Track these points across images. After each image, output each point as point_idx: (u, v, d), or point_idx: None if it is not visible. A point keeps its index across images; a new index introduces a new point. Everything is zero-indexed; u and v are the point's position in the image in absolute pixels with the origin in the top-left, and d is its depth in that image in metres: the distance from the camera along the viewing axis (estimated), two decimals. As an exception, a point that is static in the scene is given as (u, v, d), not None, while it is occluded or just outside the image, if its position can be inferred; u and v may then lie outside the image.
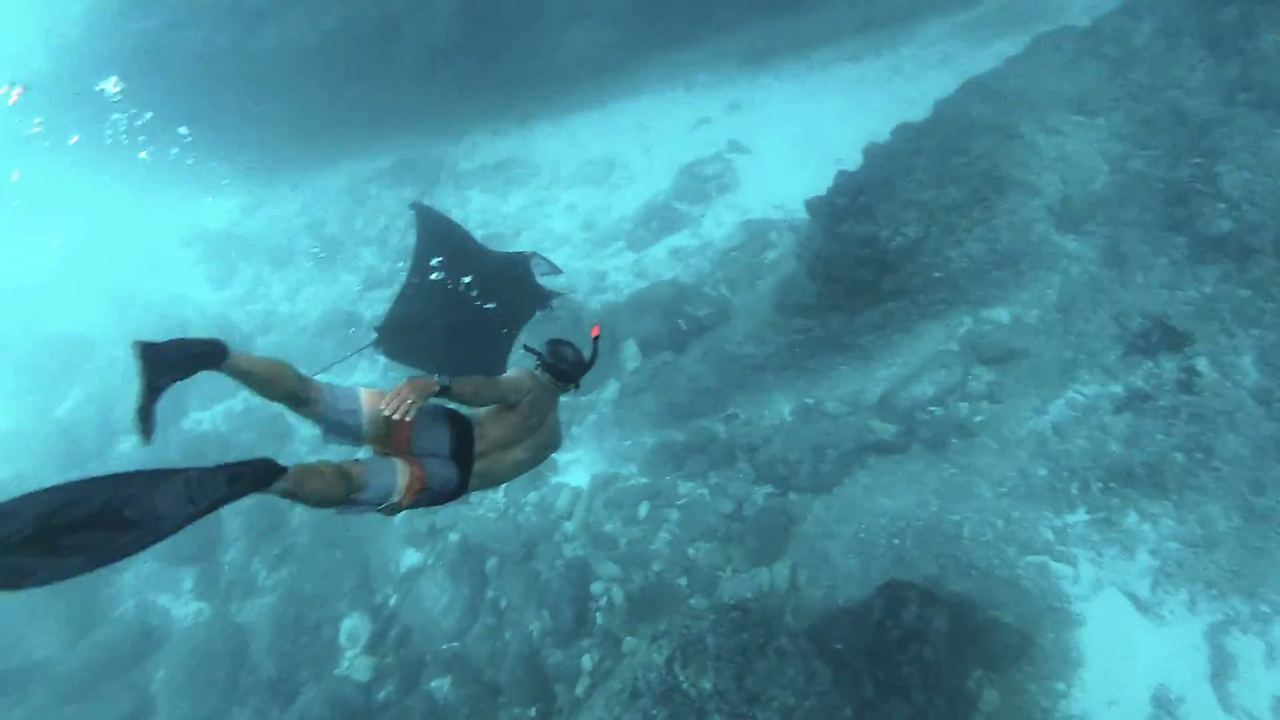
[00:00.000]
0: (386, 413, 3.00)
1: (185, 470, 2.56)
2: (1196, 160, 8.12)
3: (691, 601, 7.74)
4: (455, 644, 8.47)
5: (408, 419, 3.04)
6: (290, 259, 14.48)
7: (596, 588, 8.18)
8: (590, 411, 9.99)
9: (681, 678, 6.40)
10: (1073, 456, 7.22)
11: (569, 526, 8.92)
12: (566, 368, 4.01)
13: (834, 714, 6.12)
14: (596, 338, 4.15)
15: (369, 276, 13.28)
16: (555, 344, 4.07)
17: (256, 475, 2.70)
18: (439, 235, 7.94)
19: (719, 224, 11.22)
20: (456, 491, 3.56)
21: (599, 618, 7.98)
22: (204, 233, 15.88)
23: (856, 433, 8.13)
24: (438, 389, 3.20)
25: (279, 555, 10.29)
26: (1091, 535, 6.90)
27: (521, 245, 12.53)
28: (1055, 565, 6.87)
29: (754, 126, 12.28)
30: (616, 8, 13.16)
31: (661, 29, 13.39)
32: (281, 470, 2.76)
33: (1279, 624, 6.12)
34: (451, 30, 12.70)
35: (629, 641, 7.55)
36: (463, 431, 3.56)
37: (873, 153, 9.21)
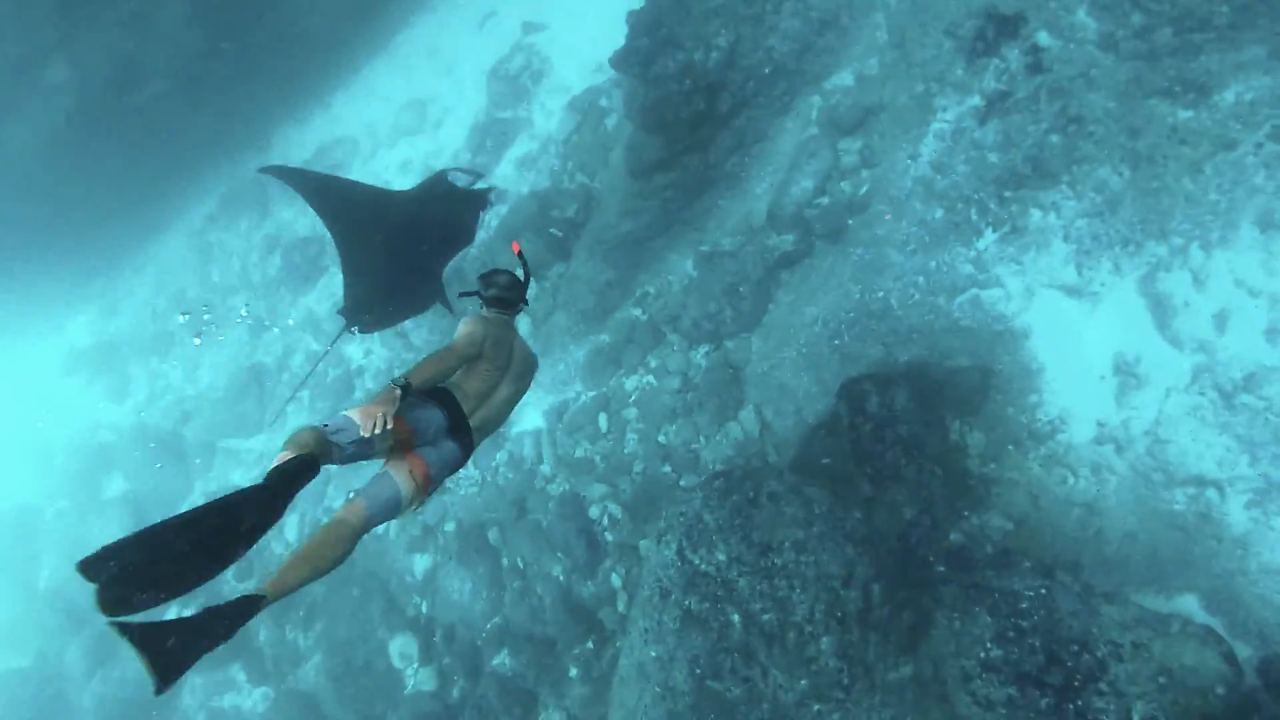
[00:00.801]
0: (365, 434, 3.18)
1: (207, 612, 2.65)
2: None
3: (682, 483, 7.81)
4: (496, 619, 8.59)
5: (386, 429, 3.20)
6: (172, 340, 13.78)
7: (594, 511, 8.22)
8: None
9: (697, 560, 6.49)
10: (960, 185, 7.11)
11: (545, 468, 8.88)
12: (506, 294, 4.22)
13: (844, 524, 6.25)
14: (519, 253, 4.35)
15: (252, 322, 12.67)
16: (487, 277, 4.27)
17: (256, 609, 2.78)
18: (318, 186, 7.49)
19: (549, 115, 10.62)
20: (464, 458, 3.82)
21: (608, 536, 8.06)
22: (78, 354, 15.08)
23: (759, 257, 7.97)
24: (399, 394, 3.37)
25: (305, 616, 10.28)
26: (1006, 249, 6.89)
27: (377, 224, 11.93)
28: (985, 293, 6.89)
29: (540, -1, 11.45)
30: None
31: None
32: (259, 602, 2.78)
33: (1194, 248, 6.20)
34: (194, 42, 11.54)
35: (644, 545, 7.66)
36: (447, 403, 3.74)
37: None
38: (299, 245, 12.37)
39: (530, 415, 9.37)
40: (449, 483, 9.76)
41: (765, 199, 8.19)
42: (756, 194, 8.29)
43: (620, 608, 7.71)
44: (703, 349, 8.24)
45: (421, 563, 9.61)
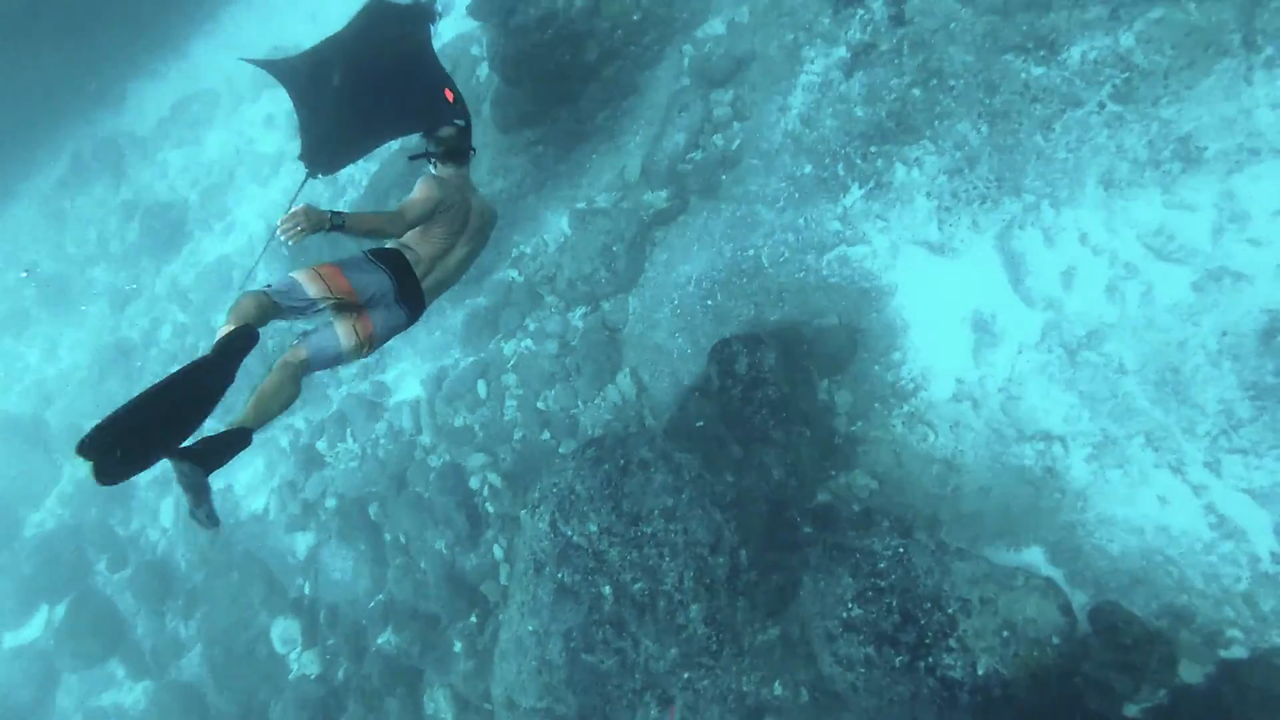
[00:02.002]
0: (281, 236, 3.33)
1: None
2: None
3: (561, 449, 7.68)
4: (380, 596, 8.39)
5: (292, 242, 3.37)
6: (27, 319, 12.76)
7: (474, 482, 8.05)
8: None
9: (569, 532, 6.41)
10: (828, 140, 7.03)
11: (424, 439, 8.62)
12: (454, 145, 4.29)
13: (713, 490, 6.25)
14: (453, 100, 4.58)
15: (113, 294, 11.81)
16: (430, 134, 4.36)
17: (242, 443, 3.29)
18: (287, 69, 7.09)
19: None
20: (410, 321, 4.03)
21: (489, 507, 7.91)
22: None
23: (634, 215, 7.76)
24: (329, 225, 3.46)
25: (185, 604, 9.87)
26: (872, 206, 6.87)
27: (240, 184, 11.20)
28: (852, 250, 6.89)
29: (405, -63, 10.68)
30: None
31: None
32: (248, 433, 3.32)
33: (1045, 207, 6.29)
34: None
35: (523, 515, 7.54)
36: (397, 265, 3.87)
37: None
38: (159, 210, 11.51)
39: (409, 384, 9.06)
40: (329, 457, 9.45)
41: (639, 153, 7.95)
42: (630, 149, 8.05)
43: (503, 580, 7.62)
44: (580, 310, 8.05)
45: (303, 541, 9.29)
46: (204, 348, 9.98)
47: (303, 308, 3.65)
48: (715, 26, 7.81)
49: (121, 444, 2.90)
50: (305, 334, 3.80)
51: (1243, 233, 5.76)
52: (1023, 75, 6.45)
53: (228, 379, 3.24)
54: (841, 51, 7.07)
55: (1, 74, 11.60)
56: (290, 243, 3.38)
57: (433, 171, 4.30)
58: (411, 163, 6.48)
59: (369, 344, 3.87)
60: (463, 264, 4.37)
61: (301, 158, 6.88)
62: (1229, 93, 5.94)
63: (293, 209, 3.39)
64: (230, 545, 9.72)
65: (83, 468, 11.91)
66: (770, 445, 6.45)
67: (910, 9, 6.80)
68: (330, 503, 9.14)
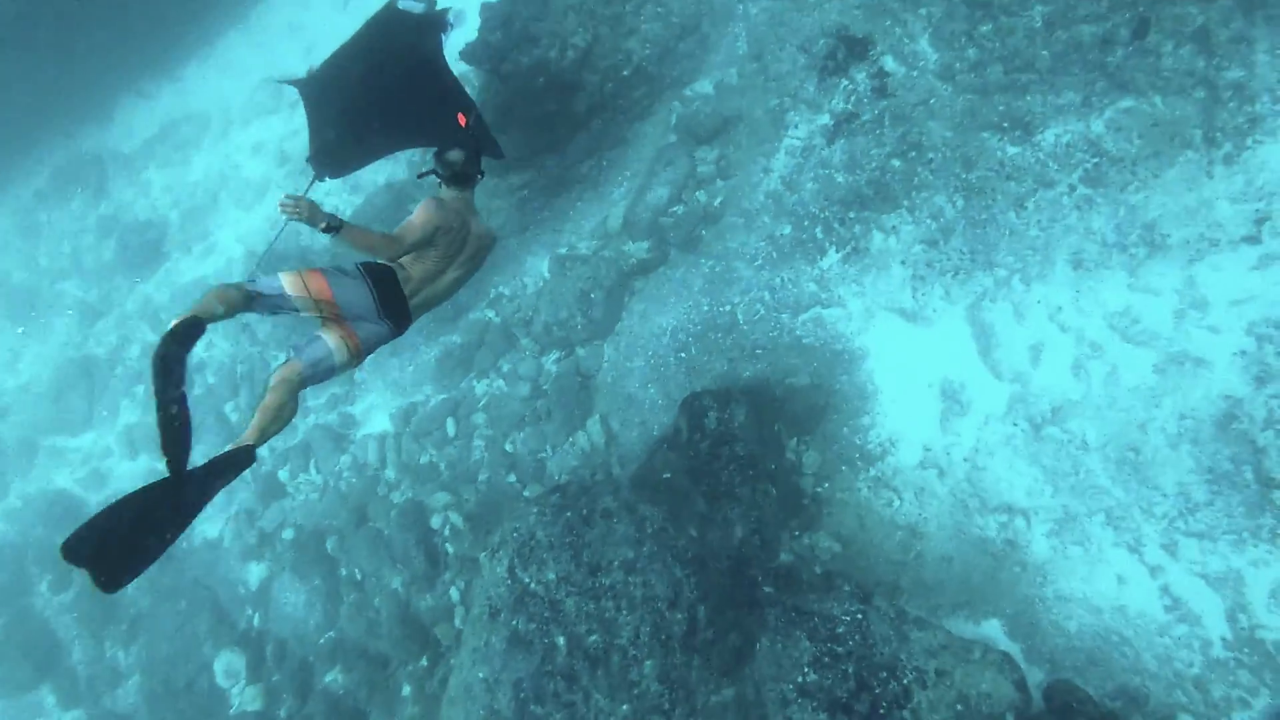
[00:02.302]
0: (277, 208, 3.52)
1: (179, 478, 3.19)
2: None
3: (526, 493, 7.60)
4: (331, 633, 8.17)
5: (284, 216, 3.50)
6: (-10, 328, 12.52)
7: (435, 521, 7.91)
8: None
9: (526, 579, 6.30)
10: (807, 203, 7.16)
11: (389, 474, 8.49)
12: (462, 169, 4.33)
13: (675, 544, 6.19)
14: (466, 124, 4.56)
15: (83, 310, 11.64)
16: (440, 155, 4.37)
17: (246, 462, 3.45)
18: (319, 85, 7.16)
19: (411, 103, 10.14)
20: (394, 335, 4.10)
21: (449, 548, 7.77)
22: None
23: (614, 264, 7.82)
24: (323, 223, 3.53)
25: (127, 631, 9.53)
26: (848, 270, 6.98)
27: (223, 208, 11.17)
28: (827, 312, 6.97)
29: (407, -23, 10.88)
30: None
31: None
32: (252, 451, 3.49)
33: (1016, 282, 6.43)
34: (10, 3, 10.47)
35: (482, 558, 7.41)
36: (384, 282, 3.95)
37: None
38: (137, 228, 11.42)
39: (377, 418, 8.96)
40: (290, 487, 9.27)
41: (622, 204, 8.04)
42: (614, 198, 8.14)
43: (458, 623, 7.45)
44: (554, 355, 8.04)
45: (256, 572, 9.05)
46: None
47: (275, 299, 3.75)
48: (704, 86, 7.99)
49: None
50: (297, 348, 3.87)
51: (1203, 319, 5.92)
52: (999, 154, 6.64)
53: (179, 377, 3.26)
54: (825, 119, 7.24)
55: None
56: (282, 216, 3.54)
57: (438, 193, 4.37)
58: (420, 179, 6.69)
59: (358, 355, 3.97)
60: (453, 286, 4.43)
61: (310, 159, 6.93)
62: (1191, 184, 6.16)
63: (300, 197, 3.54)
64: (180, 571, 9.46)
65: (34, 484, 11.60)
66: (735, 502, 6.42)
67: (893, 82, 7.00)
68: (287, 534, 8.94)
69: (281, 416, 3.67)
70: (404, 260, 4.05)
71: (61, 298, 12.11)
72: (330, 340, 3.85)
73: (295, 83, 7.23)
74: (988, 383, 6.38)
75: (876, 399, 6.70)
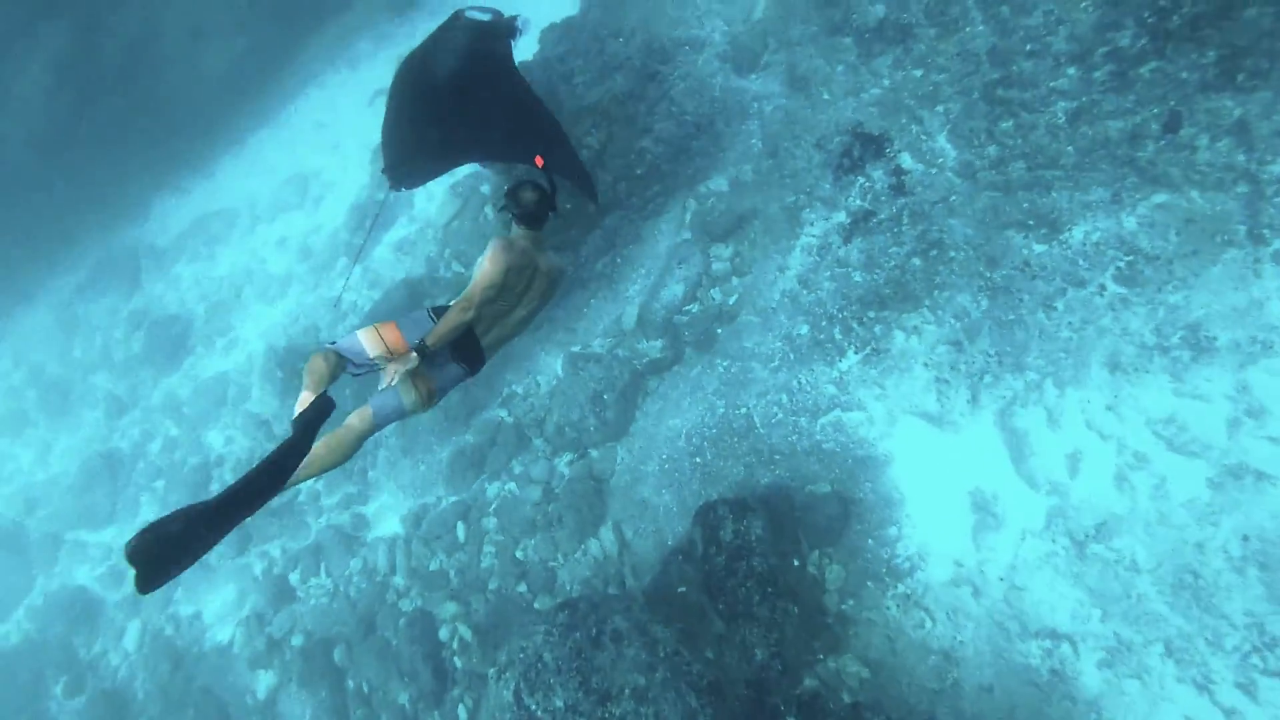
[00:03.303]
0: (382, 385, 3.85)
1: (248, 478, 3.36)
2: (833, -48, 7.67)
3: (536, 605, 7.25)
4: (334, 753, 7.79)
5: (394, 381, 3.86)
6: (25, 421, 12.67)
7: (444, 633, 7.57)
8: (377, 449, 9.15)
9: (533, 705, 5.90)
10: (825, 303, 6.92)
11: (398, 581, 8.21)
12: (532, 210, 4.37)
13: (690, 670, 5.78)
14: (543, 166, 4.42)
15: (110, 403, 11.73)
16: (513, 192, 4.41)
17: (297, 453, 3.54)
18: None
19: (430, 198, 10.24)
20: (469, 375, 4.39)
21: (457, 662, 7.40)
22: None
23: (627, 364, 7.61)
24: (416, 359, 3.88)
25: (131, 742, 9.24)
26: (869, 372, 6.67)
27: (247, 303, 11.28)
28: (848, 416, 6.64)
29: (431, 78, 11.15)
30: (235, 13, 11.59)
31: (294, 17, 11.91)
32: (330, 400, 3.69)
33: (1049, 385, 6.06)
34: (58, 111, 10.92)
35: (490, 675, 7.04)
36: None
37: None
38: (165, 322, 11.57)
39: (388, 519, 8.73)
40: (300, 591, 9.03)
41: (637, 301, 7.88)
42: (628, 295, 7.99)
43: (464, 746, 7.04)
44: (567, 457, 7.78)
45: (265, 681, 8.73)
46: (192, 464, 9.66)
47: (363, 369, 4.04)
48: (719, 183, 7.89)
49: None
50: (368, 404, 4.04)
51: (1261, 429, 5.48)
52: (1024, 252, 6.37)
53: (303, 453, 3.55)
54: (841, 217, 7.06)
55: (36, 179, 12.00)
56: (392, 383, 3.85)
57: (510, 233, 4.45)
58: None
59: (430, 399, 4.20)
60: (523, 323, 4.59)
61: (384, 171, 6.90)
62: (1238, 283, 5.79)
63: (386, 374, 3.87)
64: (190, 679, 9.18)
65: (57, 580, 11.51)
66: (754, 622, 6.00)
67: (910, 180, 6.82)
68: (296, 640, 8.63)
69: (332, 458, 3.85)
70: None
71: (92, 391, 12.24)
72: (402, 388, 4.01)
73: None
74: (1023, 494, 5.95)
75: (902, 509, 6.30)
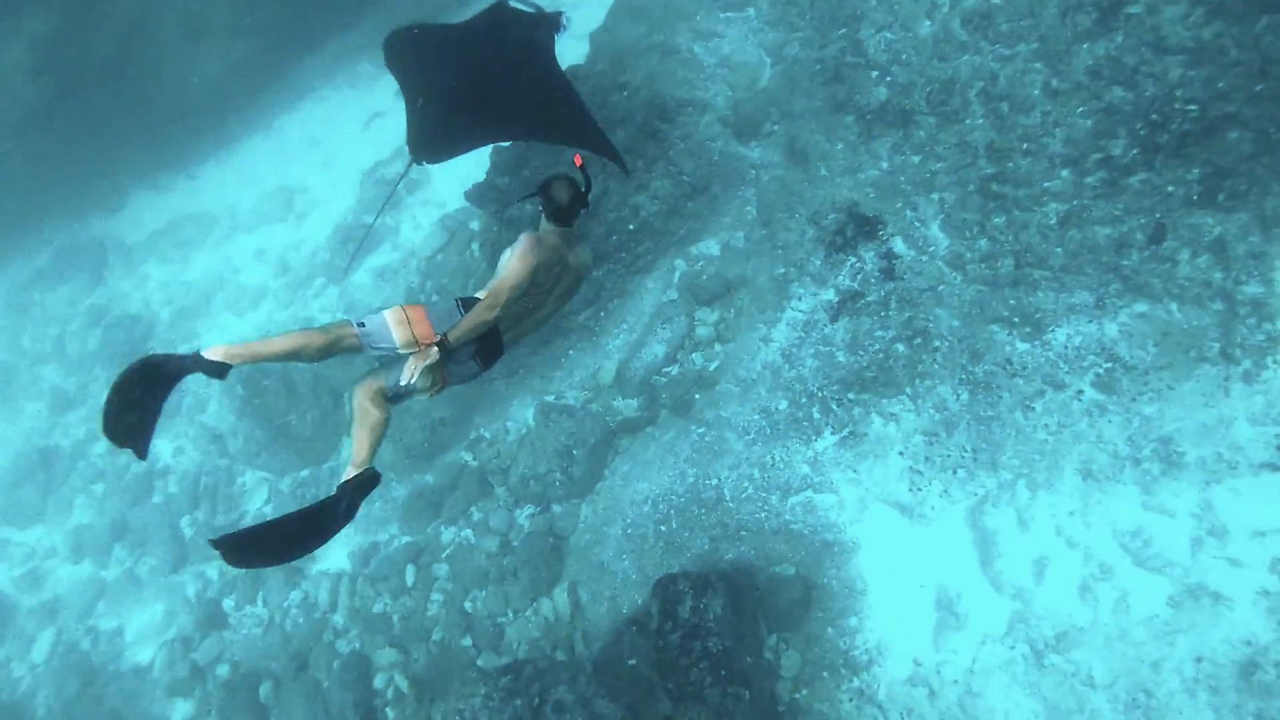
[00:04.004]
0: (403, 382, 3.94)
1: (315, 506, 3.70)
2: (841, 31, 7.76)
3: (479, 662, 6.98)
4: (250, 798, 7.37)
5: (418, 378, 3.96)
6: (-42, 405, 12.11)
7: (379, 681, 7.25)
8: (334, 479, 8.83)
9: (465, 775, 5.65)
10: (806, 380, 6.86)
11: (338, 619, 7.88)
12: (564, 207, 4.32)
13: (634, 749, 5.57)
14: (582, 166, 4.35)
15: (56, 397, 11.27)
16: (546, 187, 4.36)
17: (372, 484, 3.79)
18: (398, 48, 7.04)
19: (417, 227, 10.08)
20: (485, 369, 4.39)
21: (389, 713, 7.08)
22: None
23: (600, 420, 7.47)
24: (437, 354, 3.94)
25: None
26: (844, 454, 6.60)
27: (215, 311, 10.97)
28: (819, 498, 6.55)
29: (430, 106, 11.06)
30: (239, 18, 11.45)
31: (298, 29, 11.79)
32: (378, 477, 3.82)
33: (1021, 487, 6.03)
34: (38, 94, 10.63)
35: (424, 733, 6.74)
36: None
37: (476, 191, 8.38)
38: (125, 322, 11.20)
39: (336, 553, 8.39)
40: (233, 618, 8.63)
41: (616, 357, 7.76)
42: (608, 350, 7.86)
43: (388, 806, 6.69)
44: (528, 509, 7.57)
45: (181, 710, 8.28)
46: (135, 472, 9.20)
47: (387, 355, 4.06)
48: (710, 246, 7.85)
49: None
50: (378, 369, 4.11)
51: (1222, 549, 5.50)
52: (1007, 349, 6.38)
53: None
54: (830, 294, 7.04)
55: (13, 149, 11.59)
56: (414, 380, 3.95)
57: (540, 229, 4.42)
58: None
59: (443, 387, 4.22)
60: (546, 319, 4.61)
61: (409, 145, 6.78)
62: (1208, 400, 5.85)
63: (405, 370, 3.94)
64: (99, 699, 8.68)
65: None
66: (703, 706, 5.79)
67: (901, 265, 6.83)
68: (222, 670, 8.22)
69: (380, 428, 3.91)
70: None
71: (38, 382, 11.76)
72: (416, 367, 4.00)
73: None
74: (987, 596, 5.88)
75: (866, 599, 6.19)
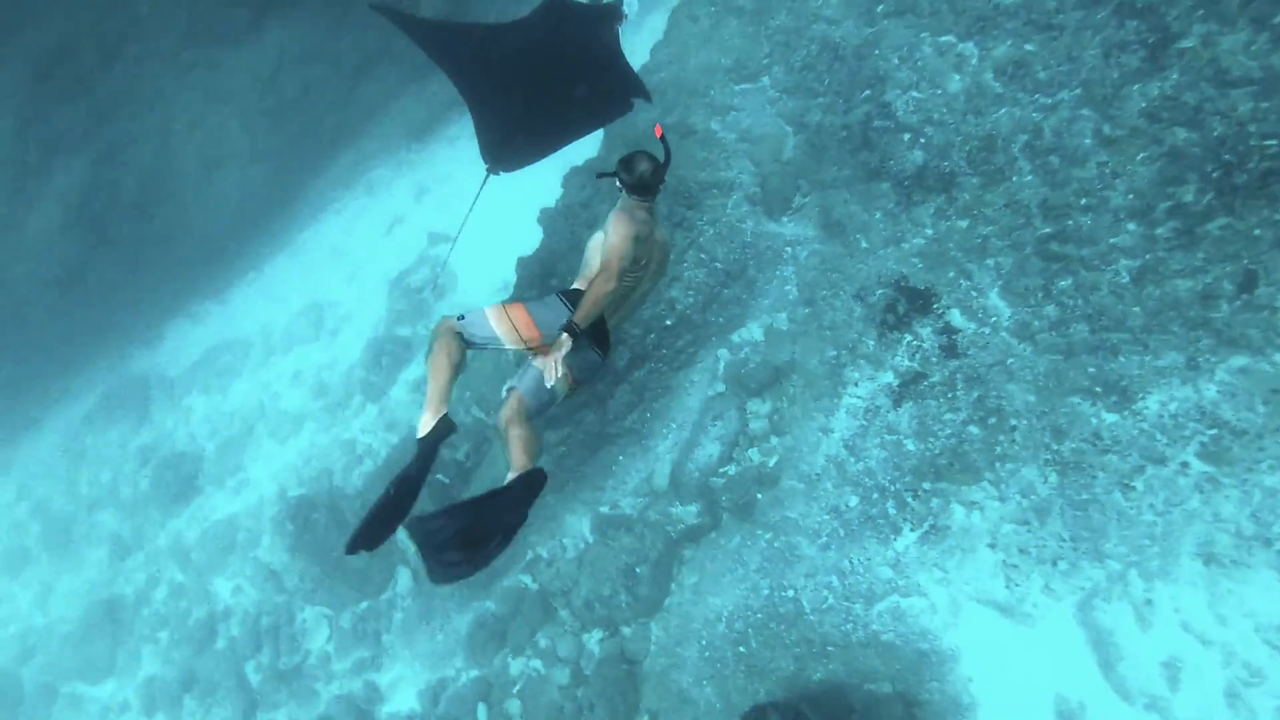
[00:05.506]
0: (549, 384, 3.89)
1: (495, 492, 3.81)
2: (865, 94, 7.39)
3: (564, 812, 6.56)
4: None
5: (560, 374, 3.90)
6: (26, 558, 12.21)
7: (461, 839, 6.88)
8: (393, 610, 8.58)
9: None
10: (875, 473, 6.38)
11: (414, 767, 7.54)
12: (647, 180, 4.24)
13: None
14: (662, 136, 4.32)
15: (115, 544, 11.26)
16: (627, 162, 4.26)
17: (540, 483, 3.88)
18: (434, 32, 6.80)
19: (448, 337, 9.88)
20: (604, 360, 4.35)
21: None
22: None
23: (660, 530, 7.06)
24: (569, 341, 3.86)
25: None
26: (928, 552, 6.08)
27: (258, 440, 10.88)
28: (906, 602, 6.03)
29: (447, 207, 10.97)
30: (254, 142, 11.54)
31: (312, 143, 11.84)
32: (542, 473, 3.88)
33: (1134, 576, 5.45)
34: (69, 247, 10.79)
35: None
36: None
37: (548, 217, 8.12)
38: (174, 460, 11.18)
39: (404, 693, 8.10)
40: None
41: (668, 458, 7.37)
42: (659, 452, 7.48)
43: None
44: (596, 634, 7.17)
45: None
46: (197, 616, 9.06)
47: (485, 345, 4.09)
48: (753, 331, 7.46)
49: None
50: (512, 387, 4.08)
51: (1386, 634, 4.84)
52: (1094, 422, 5.83)
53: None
54: (889, 377, 6.58)
55: (47, 302, 11.80)
56: (559, 374, 3.87)
57: (623, 205, 4.31)
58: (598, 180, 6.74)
59: (574, 388, 4.19)
60: (643, 299, 4.60)
61: (483, 155, 6.54)
62: (1341, 461, 5.23)
63: (548, 369, 3.86)
64: None
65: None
66: None
67: (963, 340, 6.35)
68: (303, 828, 7.94)
69: (537, 442, 3.96)
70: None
71: (97, 529, 11.79)
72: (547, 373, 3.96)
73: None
74: (1116, 707, 5.28)
75: (976, 714, 5.63)
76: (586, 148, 8.56)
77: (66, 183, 10.71)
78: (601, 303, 3.97)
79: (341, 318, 11.12)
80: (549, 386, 3.91)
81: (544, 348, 4.08)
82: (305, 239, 12.38)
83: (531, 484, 3.82)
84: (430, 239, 10.88)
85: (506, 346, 4.12)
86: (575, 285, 4.37)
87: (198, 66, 11.18)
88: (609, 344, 4.34)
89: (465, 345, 4.04)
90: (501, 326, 4.08)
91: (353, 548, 3.70)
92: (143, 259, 12.05)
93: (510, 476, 3.82)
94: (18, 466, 13.23)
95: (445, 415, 3.86)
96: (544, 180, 8.87)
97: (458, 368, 3.96)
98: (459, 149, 11.59)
